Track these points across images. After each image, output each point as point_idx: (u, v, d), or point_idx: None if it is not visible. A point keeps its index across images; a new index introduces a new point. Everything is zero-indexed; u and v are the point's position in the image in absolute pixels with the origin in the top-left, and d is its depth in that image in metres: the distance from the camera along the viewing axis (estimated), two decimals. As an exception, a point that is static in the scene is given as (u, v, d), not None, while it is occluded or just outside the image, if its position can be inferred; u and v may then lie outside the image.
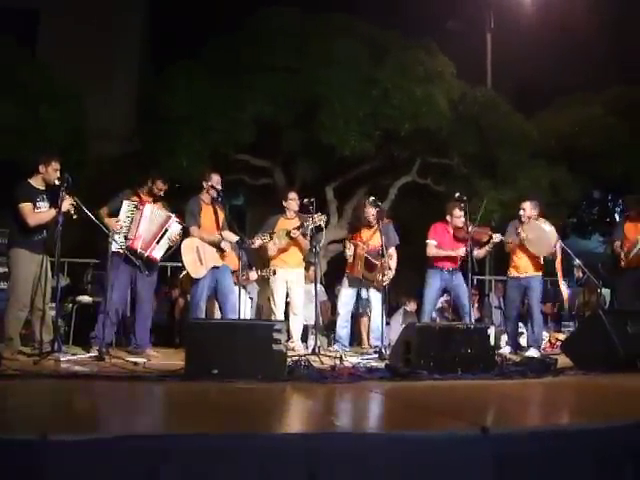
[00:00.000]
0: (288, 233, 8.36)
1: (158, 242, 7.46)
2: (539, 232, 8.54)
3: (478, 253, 8.64)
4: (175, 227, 7.57)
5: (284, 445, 2.79)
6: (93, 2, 16.02)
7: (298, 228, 8.31)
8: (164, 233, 7.48)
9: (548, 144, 13.23)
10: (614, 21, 18.94)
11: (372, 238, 8.50)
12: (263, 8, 12.40)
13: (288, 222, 8.59)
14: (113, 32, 16.47)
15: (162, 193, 7.59)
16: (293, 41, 11.72)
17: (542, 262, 8.72)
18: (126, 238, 7.27)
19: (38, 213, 6.77)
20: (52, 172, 6.82)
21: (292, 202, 8.67)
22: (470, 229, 8.29)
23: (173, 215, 7.59)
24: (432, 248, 8.71)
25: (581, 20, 17.34)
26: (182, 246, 7.73)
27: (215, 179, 7.92)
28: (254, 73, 11.43)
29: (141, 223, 7.37)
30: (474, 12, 16.85)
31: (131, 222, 7.33)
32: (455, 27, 17.39)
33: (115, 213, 7.29)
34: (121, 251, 7.14)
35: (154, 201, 7.56)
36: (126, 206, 7.36)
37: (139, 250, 7.35)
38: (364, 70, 11.63)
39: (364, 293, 8.75)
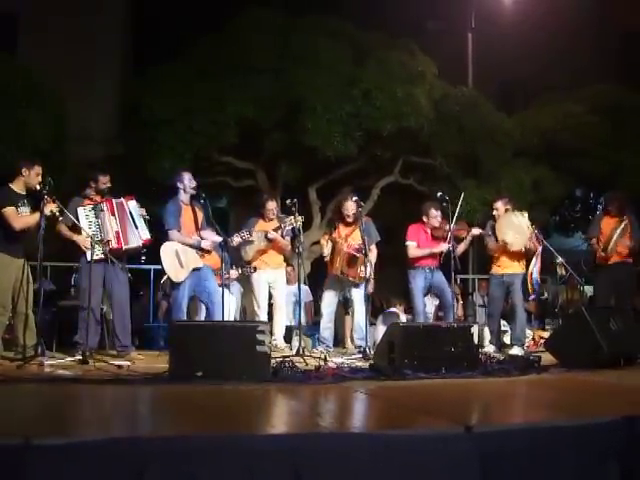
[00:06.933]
0: (266, 235, 8.40)
1: (136, 226, 7.45)
2: (513, 228, 8.59)
3: (458, 249, 8.67)
4: (132, 204, 7.53)
5: (269, 446, 2.79)
6: (73, 4, 15.93)
7: (276, 230, 8.38)
8: (132, 216, 7.47)
9: (530, 142, 13.29)
10: (596, 19, 19.06)
11: (352, 235, 8.42)
12: (245, 9, 12.36)
13: (267, 225, 8.65)
14: (94, 35, 16.35)
15: (109, 184, 7.52)
16: (276, 42, 11.69)
17: (525, 257, 8.77)
18: (101, 241, 7.19)
19: (23, 217, 6.75)
20: (34, 177, 6.81)
21: (269, 211, 8.75)
22: (448, 227, 8.35)
23: (121, 198, 7.53)
24: (413, 249, 8.71)
25: (562, 18, 17.43)
26: (162, 250, 7.69)
27: (187, 177, 7.91)
28: (237, 75, 11.39)
29: (113, 221, 7.32)
30: (455, 12, 16.87)
31: (99, 224, 7.27)
32: (436, 27, 17.44)
33: (73, 224, 7.15)
34: (103, 256, 7.09)
35: (102, 196, 7.49)
36: (83, 212, 7.26)
37: (126, 247, 7.35)
38: (346, 71, 11.62)
39: (346, 293, 8.72)
